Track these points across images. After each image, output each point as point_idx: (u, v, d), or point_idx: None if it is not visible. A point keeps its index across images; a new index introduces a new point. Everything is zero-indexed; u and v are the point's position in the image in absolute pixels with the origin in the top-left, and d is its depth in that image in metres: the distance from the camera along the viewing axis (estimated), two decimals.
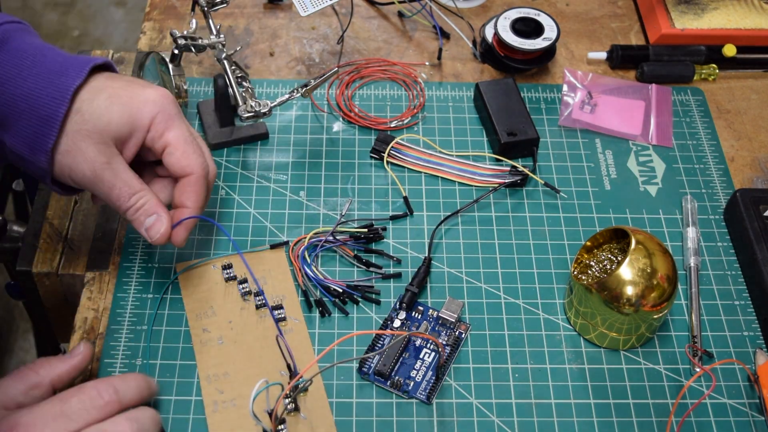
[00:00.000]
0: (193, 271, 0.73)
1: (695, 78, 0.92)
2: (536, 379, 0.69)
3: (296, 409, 0.65)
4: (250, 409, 0.59)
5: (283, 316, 0.70)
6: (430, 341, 0.70)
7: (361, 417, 0.66)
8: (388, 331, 0.66)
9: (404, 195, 0.79)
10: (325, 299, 0.72)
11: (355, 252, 0.75)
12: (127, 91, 0.65)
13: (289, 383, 0.63)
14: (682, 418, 0.67)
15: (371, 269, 0.74)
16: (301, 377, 0.62)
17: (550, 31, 0.88)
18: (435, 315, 0.71)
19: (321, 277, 0.73)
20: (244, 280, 0.72)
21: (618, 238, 0.71)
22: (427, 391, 0.67)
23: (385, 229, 0.77)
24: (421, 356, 0.69)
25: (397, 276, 0.74)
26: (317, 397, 0.66)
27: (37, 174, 0.65)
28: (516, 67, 0.90)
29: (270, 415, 0.62)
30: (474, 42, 0.93)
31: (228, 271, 0.73)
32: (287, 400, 0.63)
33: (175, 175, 0.67)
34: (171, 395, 0.66)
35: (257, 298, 0.71)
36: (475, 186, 0.81)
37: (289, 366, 0.65)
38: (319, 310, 0.71)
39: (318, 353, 0.69)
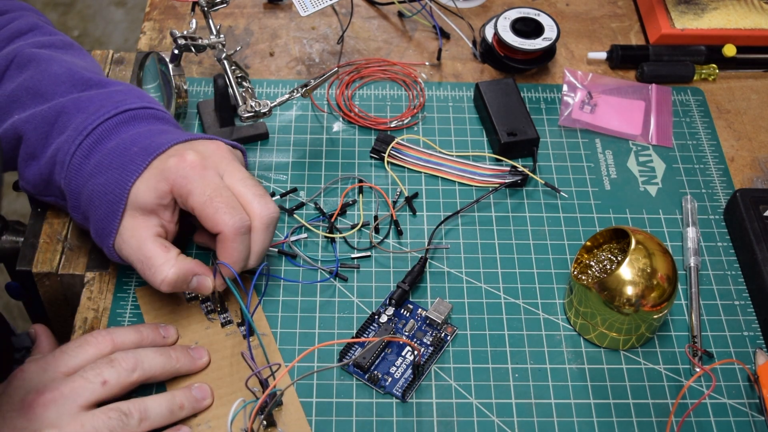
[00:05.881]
0: (154, 294, 0.71)
1: (695, 78, 0.92)
2: (536, 379, 0.69)
3: (273, 424, 0.64)
4: (228, 430, 0.59)
5: (244, 332, 0.69)
6: (415, 340, 0.70)
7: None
8: (360, 339, 0.66)
9: (407, 195, 0.79)
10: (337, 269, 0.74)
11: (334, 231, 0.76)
12: (156, 163, 0.66)
13: (261, 398, 0.61)
14: (682, 418, 0.67)
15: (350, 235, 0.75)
16: (273, 388, 0.61)
17: (550, 31, 0.88)
18: (423, 315, 0.71)
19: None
20: (207, 299, 0.71)
21: (618, 238, 0.71)
22: (403, 388, 0.67)
23: (355, 202, 0.78)
24: (403, 353, 0.69)
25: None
26: (292, 410, 0.65)
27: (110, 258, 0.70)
28: (516, 67, 0.90)
29: None
30: (474, 42, 0.93)
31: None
32: (261, 416, 0.62)
33: (212, 233, 0.67)
34: None
35: (222, 316, 0.70)
36: (475, 186, 0.81)
37: (260, 381, 0.63)
38: (343, 278, 0.73)
39: (303, 353, 0.69)
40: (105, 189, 0.66)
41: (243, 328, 0.69)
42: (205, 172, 0.66)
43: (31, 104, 0.71)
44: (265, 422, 0.63)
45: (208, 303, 0.70)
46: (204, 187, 0.65)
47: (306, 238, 0.76)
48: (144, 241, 0.66)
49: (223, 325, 0.70)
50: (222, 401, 0.65)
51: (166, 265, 0.65)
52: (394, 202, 0.79)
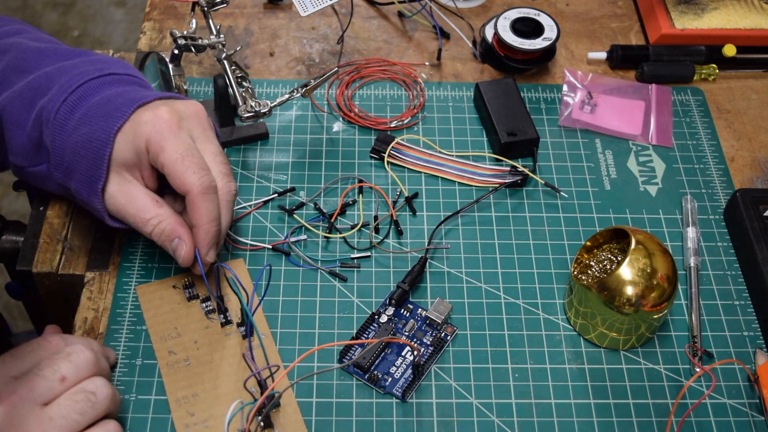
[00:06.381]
0: (154, 292, 0.71)
1: (695, 78, 0.92)
2: (536, 379, 0.69)
3: (270, 425, 0.64)
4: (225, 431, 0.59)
5: (244, 333, 0.69)
6: (415, 340, 0.70)
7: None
8: (360, 341, 0.66)
9: (407, 195, 0.79)
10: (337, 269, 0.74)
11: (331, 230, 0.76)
12: (135, 116, 0.66)
13: (259, 399, 0.61)
14: (682, 418, 0.67)
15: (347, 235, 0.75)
16: (271, 389, 0.61)
17: (550, 31, 0.88)
18: (423, 315, 0.71)
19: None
20: (207, 299, 0.70)
21: (618, 238, 0.71)
22: (403, 388, 0.67)
23: (355, 201, 0.79)
24: (403, 353, 0.69)
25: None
26: (290, 412, 0.65)
27: (97, 214, 0.69)
28: (516, 67, 0.90)
29: None
30: (474, 42, 0.93)
31: (189, 290, 0.71)
32: (259, 417, 0.62)
33: (180, 193, 0.67)
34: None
35: (221, 316, 0.69)
36: (475, 186, 0.81)
37: (259, 383, 0.63)
38: (342, 278, 0.74)
39: (301, 354, 0.69)
40: (90, 137, 0.66)
41: (243, 328, 0.69)
42: (179, 132, 0.66)
43: (16, 81, 0.71)
44: (262, 424, 0.63)
45: (209, 302, 0.70)
46: (177, 146, 0.65)
47: (306, 239, 0.76)
48: (135, 196, 0.67)
49: (222, 325, 0.69)
50: (220, 401, 0.65)
51: (156, 219, 0.67)
52: (394, 202, 0.79)
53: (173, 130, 0.66)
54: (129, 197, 0.67)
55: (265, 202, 0.78)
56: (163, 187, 0.70)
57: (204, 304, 0.70)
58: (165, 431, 0.65)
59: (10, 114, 0.70)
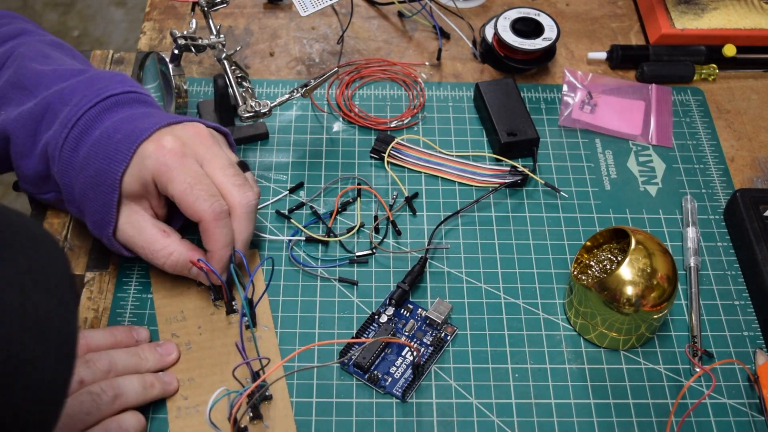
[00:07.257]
0: (167, 275, 0.71)
1: (695, 78, 0.92)
2: (536, 379, 0.69)
3: (259, 417, 0.64)
4: (207, 417, 0.59)
5: (248, 323, 0.69)
6: (415, 340, 0.70)
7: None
8: (359, 339, 0.66)
9: (406, 195, 0.79)
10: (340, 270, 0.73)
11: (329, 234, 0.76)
12: (137, 153, 0.66)
13: (248, 388, 0.61)
14: (682, 418, 0.67)
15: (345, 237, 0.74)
16: (263, 380, 0.60)
17: (550, 31, 0.88)
18: (423, 315, 0.71)
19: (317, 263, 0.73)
20: (212, 286, 0.70)
21: (618, 238, 0.71)
22: (403, 388, 0.67)
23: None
24: (403, 353, 0.69)
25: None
26: (281, 407, 0.65)
27: (113, 250, 0.70)
28: (516, 67, 0.90)
29: (230, 422, 0.61)
30: (474, 42, 0.93)
31: None
32: (248, 407, 0.62)
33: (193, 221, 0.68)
34: None
35: (227, 304, 0.69)
36: (475, 186, 0.81)
37: (252, 373, 0.63)
38: (352, 282, 0.73)
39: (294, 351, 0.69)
40: (96, 181, 0.66)
41: (246, 318, 0.69)
42: (184, 159, 0.66)
43: (16, 98, 0.71)
44: (251, 414, 0.63)
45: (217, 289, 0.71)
46: (184, 176, 0.65)
47: (304, 240, 0.76)
48: (143, 228, 0.68)
49: (227, 313, 0.70)
50: (214, 387, 0.64)
51: (165, 250, 0.67)
52: (394, 203, 0.79)
53: (178, 159, 0.66)
54: (137, 229, 0.68)
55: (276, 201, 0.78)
56: (173, 212, 0.71)
57: (211, 291, 0.70)
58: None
59: (16, 144, 0.70)
